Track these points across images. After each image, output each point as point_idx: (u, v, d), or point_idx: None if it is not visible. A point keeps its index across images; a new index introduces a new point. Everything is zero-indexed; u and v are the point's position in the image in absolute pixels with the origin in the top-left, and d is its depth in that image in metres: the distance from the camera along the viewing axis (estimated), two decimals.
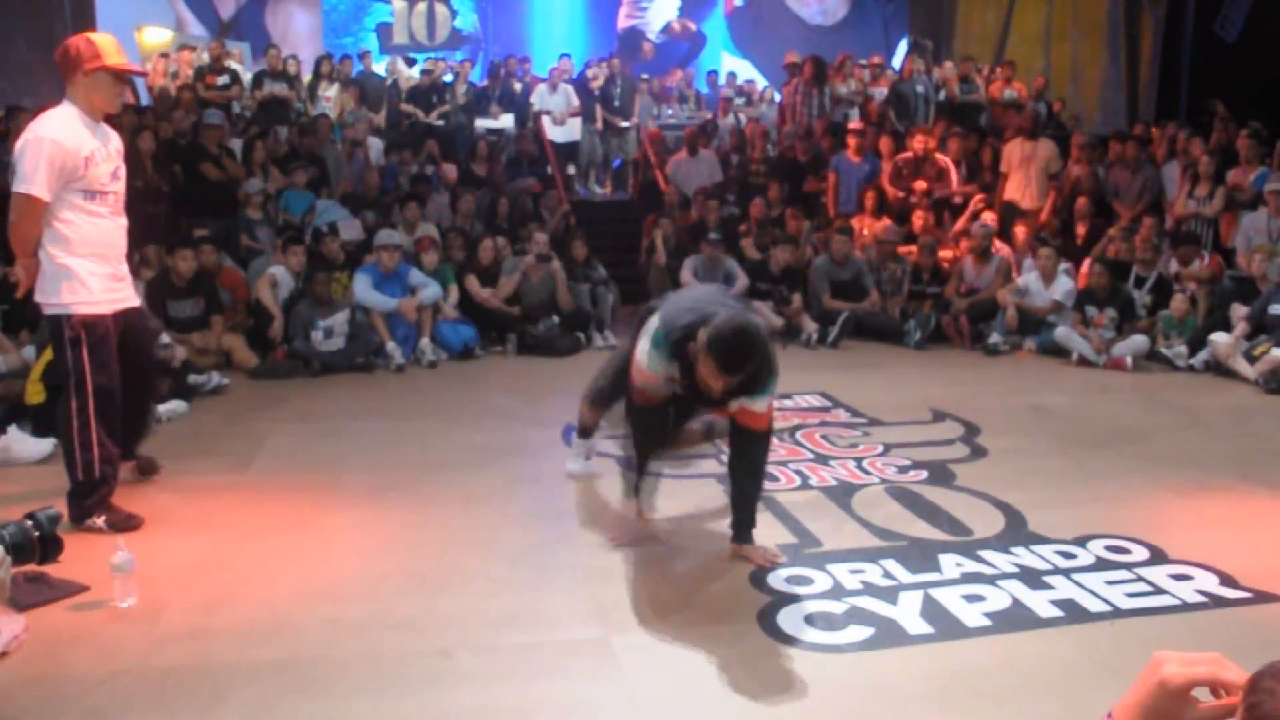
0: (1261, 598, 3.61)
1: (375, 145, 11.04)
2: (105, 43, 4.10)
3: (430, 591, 3.63)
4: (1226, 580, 3.73)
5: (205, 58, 12.40)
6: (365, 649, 3.19)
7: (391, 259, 7.87)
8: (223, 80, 11.56)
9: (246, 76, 12.24)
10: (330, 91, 12.20)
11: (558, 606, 3.52)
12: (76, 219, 4.02)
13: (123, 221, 4.25)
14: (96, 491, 4.18)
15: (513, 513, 4.49)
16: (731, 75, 16.03)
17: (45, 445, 5.25)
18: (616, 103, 13.01)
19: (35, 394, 5.57)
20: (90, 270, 4.06)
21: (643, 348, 3.77)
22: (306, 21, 17.08)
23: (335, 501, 4.61)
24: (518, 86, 13.03)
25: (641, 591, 3.64)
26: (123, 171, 4.25)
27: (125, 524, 4.19)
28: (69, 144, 3.95)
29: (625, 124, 12.89)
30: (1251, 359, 7.23)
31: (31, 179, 3.89)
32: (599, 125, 12.83)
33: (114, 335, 4.17)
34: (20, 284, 4.18)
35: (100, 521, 4.15)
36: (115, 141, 4.24)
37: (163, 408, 5.91)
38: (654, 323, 3.76)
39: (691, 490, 4.78)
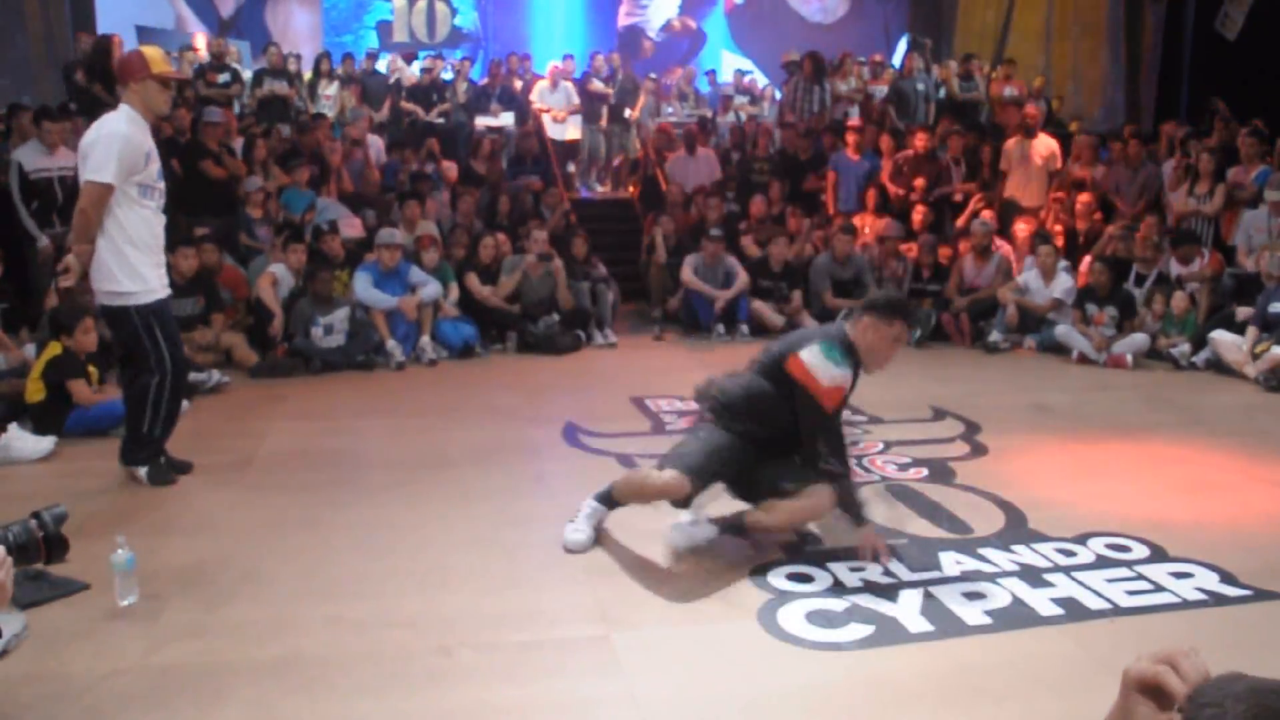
0: (1261, 595, 3.61)
1: (376, 143, 11.02)
2: (153, 54, 4.59)
3: (431, 590, 3.63)
4: (1227, 578, 3.73)
5: (206, 55, 12.40)
6: (366, 647, 3.19)
7: (392, 257, 7.87)
8: (223, 78, 11.56)
9: (247, 74, 12.23)
10: (330, 90, 12.19)
11: (558, 604, 3.52)
12: (133, 211, 4.45)
13: (164, 217, 4.66)
14: (154, 444, 4.72)
15: (513, 511, 4.49)
16: (739, 73, 15.93)
17: (45, 443, 5.25)
18: (613, 100, 13.05)
19: (35, 392, 5.57)
20: (144, 261, 4.50)
21: (825, 368, 3.70)
22: (306, 19, 17.06)
23: (335, 499, 4.61)
24: (518, 84, 13.03)
25: (642, 589, 3.64)
26: (162, 172, 4.66)
27: (164, 479, 4.73)
28: (134, 140, 4.42)
29: (629, 112, 12.96)
30: (1253, 357, 7.23)
31: (104, 168, 4.32)
32: (604, 123, 12.82)
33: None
34: (71, 271, 4.46)
35: (143, 473, 4.69)
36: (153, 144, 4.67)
37: None
38: (811, 347, 3.75)
39: None
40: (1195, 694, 1.08)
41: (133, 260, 4.44)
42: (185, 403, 6.15)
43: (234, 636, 3.25)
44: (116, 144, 4.33)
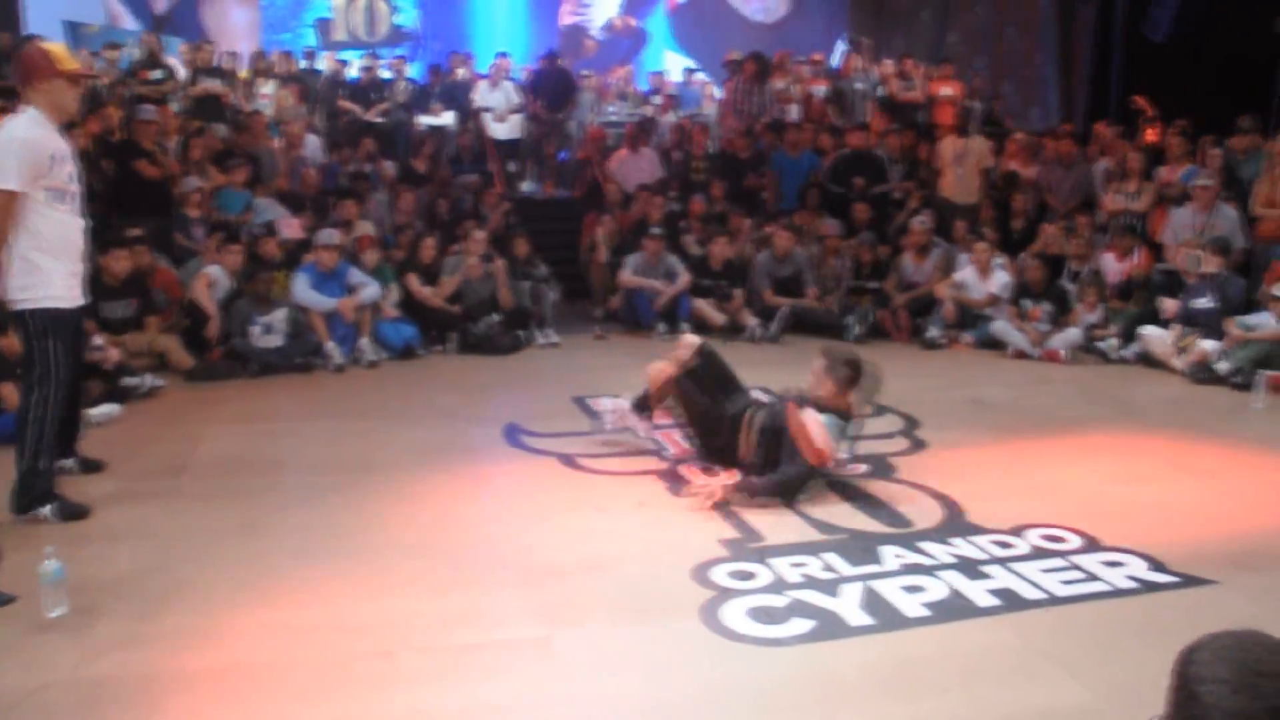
0: (1189, 581, 3.71)
1: (313, 143, 10.86)
2: (58, 51, 4.37)
3: (371, 593, 3.59)
4: (1157, 565, 3.83)
5: (137, 54, 12.12)
6: (305, 653, 3.15)
7: (331, 258, 7.77)
8: (156, 74, 11.30)
9: (182, 72, 11.98)
10: (268, 88, 11.99)
11: (500, 606, 3.50)
12: (43, 216, 4.18)
13: (82, 222, 4.41)
14: (43, 481, 4.29)
15: (454, 512, 4.46)
16: (688, 71, 15.79)
17: None
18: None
19: None
20: (55, 268, 4.23)
21: (827, 435, 4.63)
22: (244, 16, 16.78)
23: (274, 504, 4.54)
24: (459, 81, 12.90)
25: (584, 589, 3.64)
26: (77, 174, 4.39)
27: (75, 511, 4.32)
28: (37, 143, 4.15)
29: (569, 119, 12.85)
30: (1179, 351, 7.43)
31: (7, 175, 4.06)
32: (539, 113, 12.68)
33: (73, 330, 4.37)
34: None
35: (47, 511, 4.27)
36: (67, 145, 4.41)
37: (95, 411, 5.77)
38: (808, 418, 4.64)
39: (632, 487, 4.79)
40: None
41: (43, 266, 4.18)
42: (117, 408, 6.06)
43: (168, 646, 3.19)
44: (15, 148, 4.07)
